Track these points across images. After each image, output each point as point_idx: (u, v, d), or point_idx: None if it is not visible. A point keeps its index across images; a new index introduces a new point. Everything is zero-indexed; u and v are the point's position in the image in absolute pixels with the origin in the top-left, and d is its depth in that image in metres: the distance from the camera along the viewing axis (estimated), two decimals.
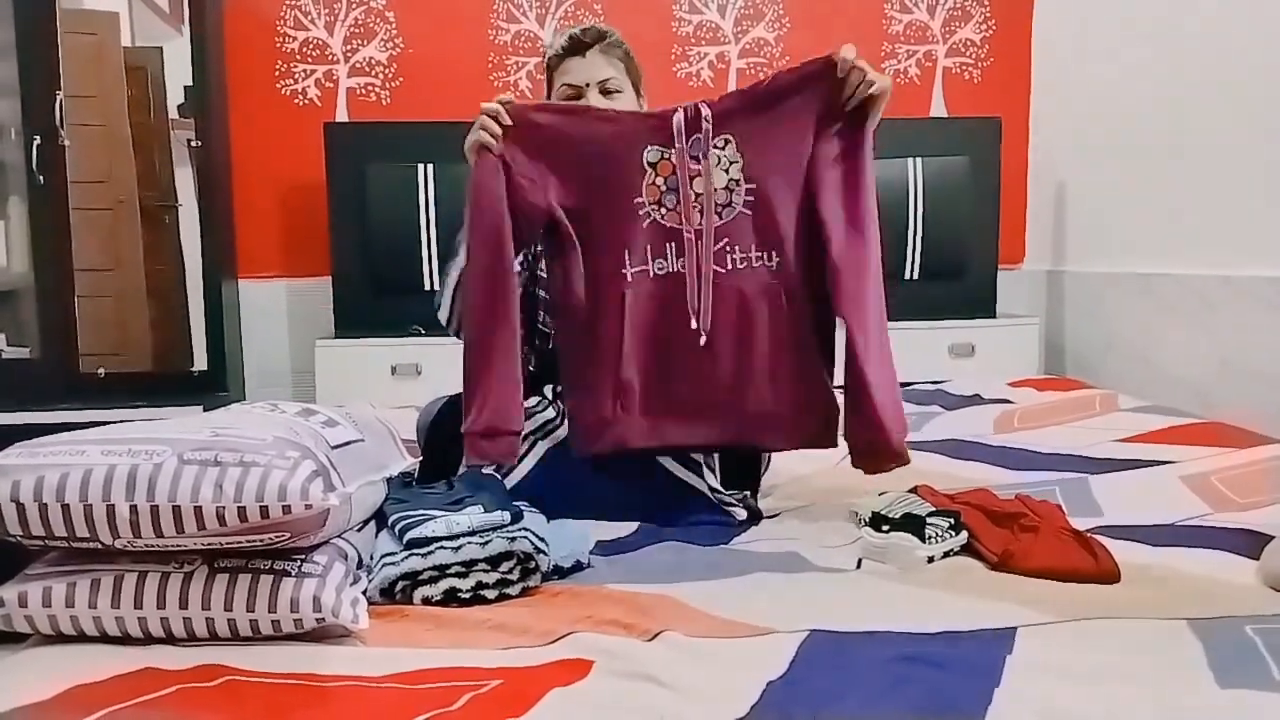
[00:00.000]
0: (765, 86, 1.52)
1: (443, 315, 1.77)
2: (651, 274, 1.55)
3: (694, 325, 1.53)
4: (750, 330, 1.53)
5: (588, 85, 1.72)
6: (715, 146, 1.52)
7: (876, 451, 1.52)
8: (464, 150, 1.56)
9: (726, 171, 1.53)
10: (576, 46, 1.74)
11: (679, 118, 1.52)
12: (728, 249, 1.53)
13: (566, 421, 1.64)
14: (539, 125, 1.53)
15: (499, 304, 1.52)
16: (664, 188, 1.54)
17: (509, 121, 1.52)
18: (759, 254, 1.53)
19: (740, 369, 1.54)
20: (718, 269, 1.53)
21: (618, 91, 1.74)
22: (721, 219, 1.53)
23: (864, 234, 1.50)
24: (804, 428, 1.56)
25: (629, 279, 1.55)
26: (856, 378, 1.48)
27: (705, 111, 1.51)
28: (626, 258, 1.55)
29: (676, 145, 1.52)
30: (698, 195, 1.53)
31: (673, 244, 1.54)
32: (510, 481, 1.62)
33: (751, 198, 1.52)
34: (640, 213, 1.54)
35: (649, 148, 1.53)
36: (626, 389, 1.55)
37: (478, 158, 1.53)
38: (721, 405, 1.56)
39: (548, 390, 1.76)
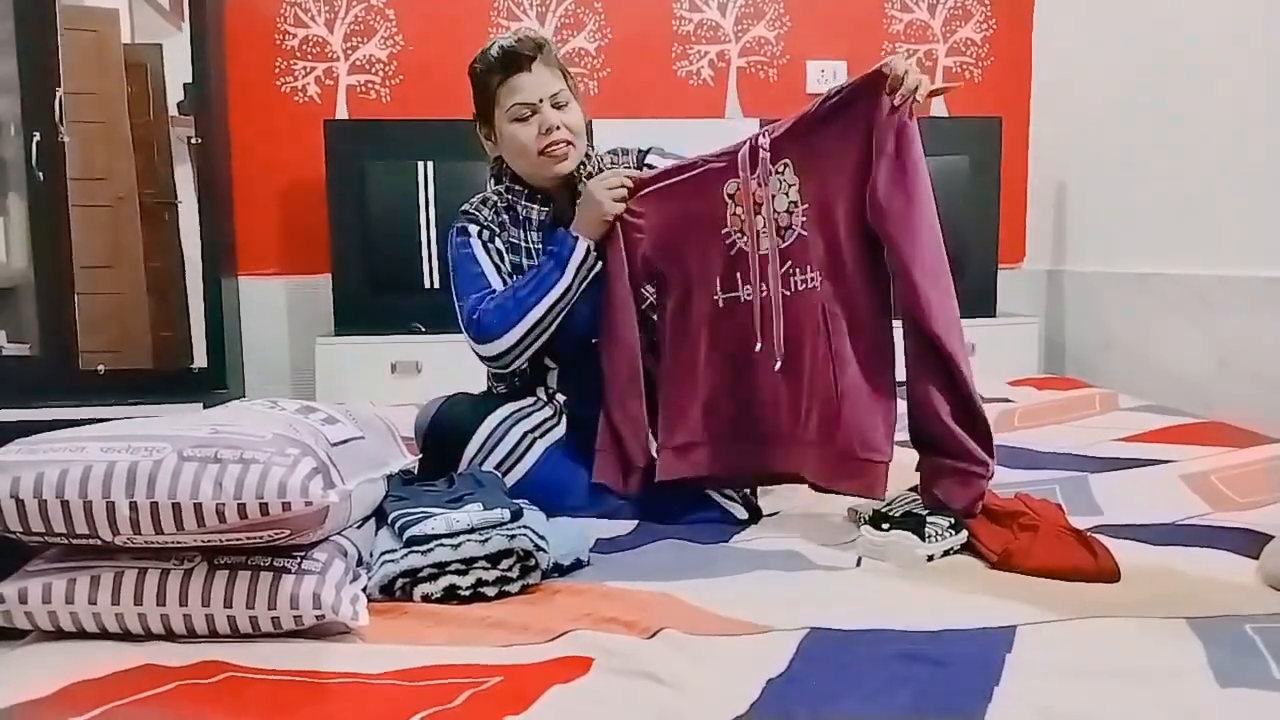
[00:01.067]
0: (820, 104, 1.52)
1: (503, 346, 1.67)
2: (741, 299, 1.60)
3: (758, 348, 1.57)
4: (813, 351, 1.53)
5: (541, 101, 1.70)
6: (776, 172, 1.55)
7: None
8: (591, 219, 1.66)
9: (786, 195, 1.55)
10: (518, 61, 1.69)
11: (744, 151, 1.57)
12: (792, 271, 1.55)
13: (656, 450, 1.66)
14: (647, 186, 1.67)
15: (633, 371, 1.66)
16: (743, 216, 1.58)
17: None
18: (814, 274, 1.53)
19: (809, 394, 1.53)
20: (785, 291, 1.55)
21: (566, 104, 1.72)
22: (785, 241, 1.55)
23: (916, 232, 1.46)
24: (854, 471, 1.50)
25: (720, 305, 1.61)
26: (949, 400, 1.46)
27: (763, 140, 1.55)
28: (718, 285, 1.62)
29: (741, 175, 1.57)
30: (764, 221, 1.56)
31: (744, 270, 1.59)
32: (510, 479, 1.63)
33: (805, 218, 1.53)
34: (727, 242, 1.61)
35: (729, 181, 1.59)
36: (713, 413, 1.61)
37: (609, 229, 1.67)
38: (790, 435, 1.55)
39: (541, 391, 1.76)
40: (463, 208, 1.81)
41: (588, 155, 1.80)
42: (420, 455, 1.72)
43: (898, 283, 1.46)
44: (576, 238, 1.67)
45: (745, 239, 1.58)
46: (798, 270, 1.54)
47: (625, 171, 1.69)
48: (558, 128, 1.70)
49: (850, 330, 1.50)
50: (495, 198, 1.81)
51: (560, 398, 1.77)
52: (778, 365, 1.55)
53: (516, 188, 1.79)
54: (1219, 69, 2.54)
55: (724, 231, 1.60)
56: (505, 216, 1.78)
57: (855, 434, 1.47)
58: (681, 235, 1.64)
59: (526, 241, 1.78)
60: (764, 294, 1.56)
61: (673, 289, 1.66)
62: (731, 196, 1.59)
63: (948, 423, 1.45)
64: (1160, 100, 2.80)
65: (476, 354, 1.71)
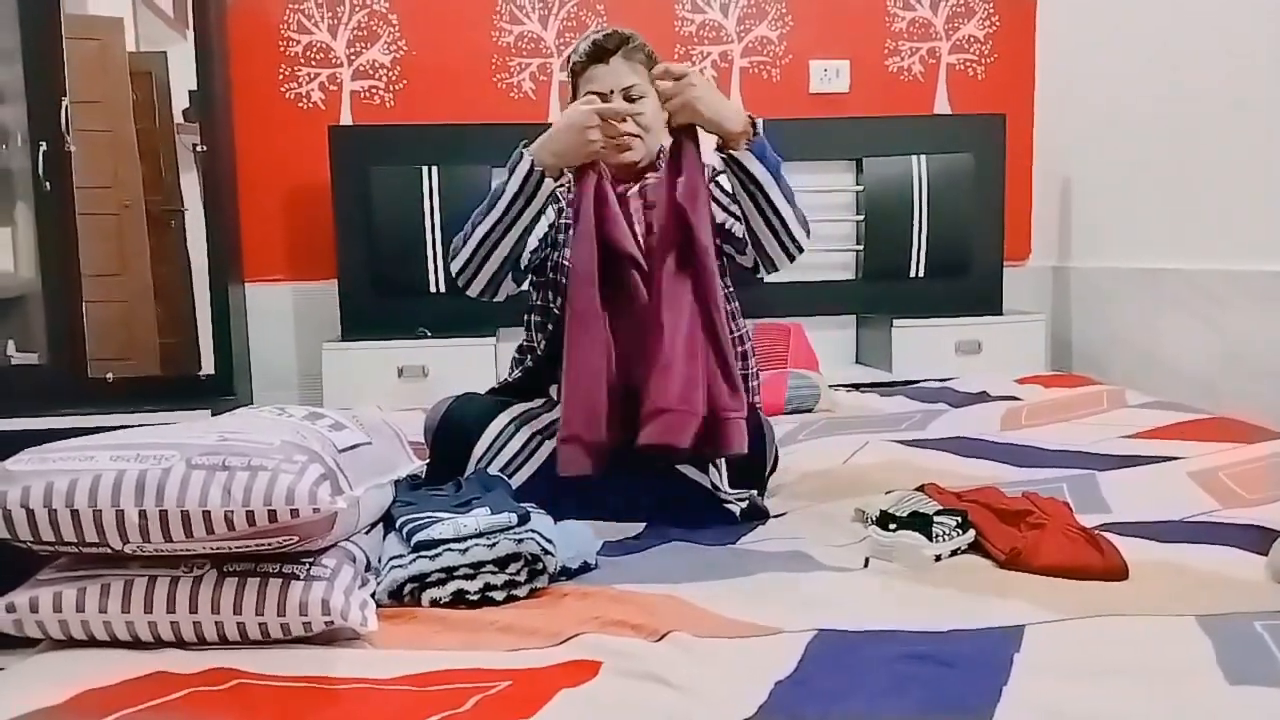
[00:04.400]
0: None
1: (458, 264, 1.72)
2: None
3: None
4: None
5: (612, 92, 1.76)
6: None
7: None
8: (554, 138, 1.62)
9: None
10: (599, 53, 1.78)
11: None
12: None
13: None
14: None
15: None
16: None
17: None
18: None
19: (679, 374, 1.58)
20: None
21: (641, 97, 1.77)
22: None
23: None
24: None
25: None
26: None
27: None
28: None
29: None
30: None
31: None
32: (516, 482, 1.63)
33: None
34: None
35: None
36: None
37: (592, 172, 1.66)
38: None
39: (553, 390, 1.76)
40: None
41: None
42: (429, 454, 1.73)
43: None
44: (523, 152, 1.64)
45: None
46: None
47: (615, 107, 1.68)
48: (624, 119, 1.71)
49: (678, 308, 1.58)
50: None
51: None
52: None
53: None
54: (1224, 63, 2.54)
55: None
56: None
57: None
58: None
59: None
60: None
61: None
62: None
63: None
64: (1164, 95, 2.79)
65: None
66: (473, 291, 1.74)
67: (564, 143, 1.63)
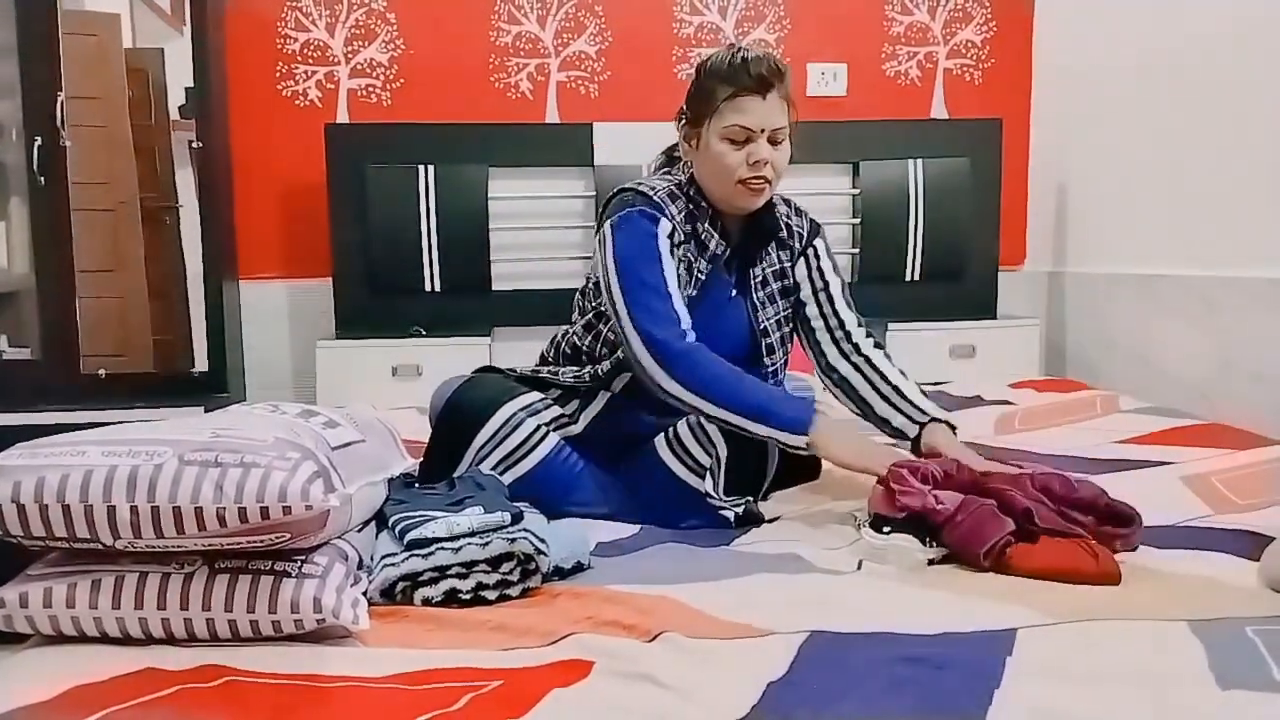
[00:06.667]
0: None
1: (674, 391, 1.59)
2: None
3: None
4: None
5: (762, 131, 1.63)
6: None
7: None
8: (847, 450, 1.58)
9: None
10: (762, 85, 1.61)
11: None
12: None
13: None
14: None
15: None
16: None
17: None
18: None
19: None
20: None
21: (782, 142, 1.66)
22: None
23: None
24: None
25: None
26: None
27: None
28: None
29: None
30: None
31: None
32: (518, 471, 1.62)
33: None
34: None
35: None
36: None
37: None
38: None
39: (583, 409, 1.73)
40: (641, 188, 1.68)
41: (774, 204, 1.77)
42: (430, 434, 1.71)
43: None
44: (808, 429, 1.54)
45: None
46: None
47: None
48: (766, 163, 1.63)
49: None
50: (684, 200, 1.70)
51: (605, 394, 1.73)
52: None
53: (704, 205, 1.71)
54: (1220, 69, 2.54)
55: None
56: (691, 226, 1.69)
57: None
58: None
59: (696, 265, 1.68)
60: None
61: None
62: None
63: None
64: (1161, 101, 2.80)
65: (634, 359, 1.60)
66: (655, 395, 1.61)
67: (860, 459, 1.56)
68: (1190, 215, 2.67)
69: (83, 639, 1.11)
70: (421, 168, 3.08)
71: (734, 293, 1.77)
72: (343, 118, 3.29)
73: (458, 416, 1.68)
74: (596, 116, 3.29)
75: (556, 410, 1.73)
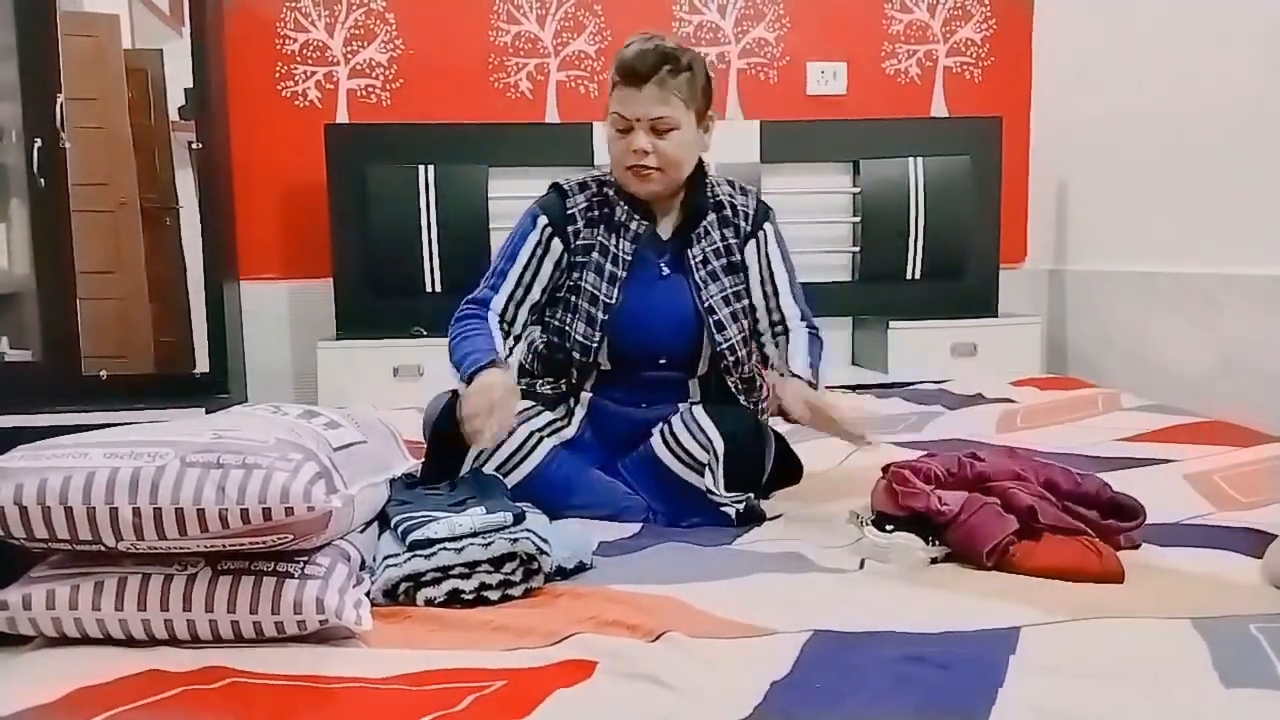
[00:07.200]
0: None
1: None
2: None
3: None
4: None
5: (638, 120, 1.66)
6: None
7: None
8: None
9: None
10: (635, 77, 1.65)
11: None
12: None
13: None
14: None
15: None
16: None
17: None
18: None
19: None
20: None
21: (671, 129, 1.66)
22: None
23: None
24: None
25: None
26: None
27: None
28: None
29: None
30: None
31: None
32: (515, 477, 1.62)
33: None
34: None
35: None
36: None
37: None
38: None
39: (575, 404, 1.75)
40: (559, 183, 1.79)
41: (713, 185, 1.78)
42: (425, 448, 1.71)
43: None
44: (467, 376, 1.59)
45: None
46: None
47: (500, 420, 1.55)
48: (647, 152, 1.66)
49: None
50: (596, 188, 1.77)
51: (586, 395, 1.75)
52: None
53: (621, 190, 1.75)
54: (1219, 67, 2.54)
55: None
56: (599, 212, 1.75)
57: None
58: None
59: (617, 248, 1.73)
60: None
61: None
62: None
63: None
64: (1161, 98, 2.79)
65: None
66: None
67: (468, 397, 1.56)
68: (1191, 212, 2.67)
69: (86, 641, 1.11)
70: (421, 168, 3.07)
71: (666, 272, 1.77)
72: (342, 118, 3.29)
73: (450, 430, 1.67)
74: (596, 116, 3.28)
75: (549, 416, 1.73)
